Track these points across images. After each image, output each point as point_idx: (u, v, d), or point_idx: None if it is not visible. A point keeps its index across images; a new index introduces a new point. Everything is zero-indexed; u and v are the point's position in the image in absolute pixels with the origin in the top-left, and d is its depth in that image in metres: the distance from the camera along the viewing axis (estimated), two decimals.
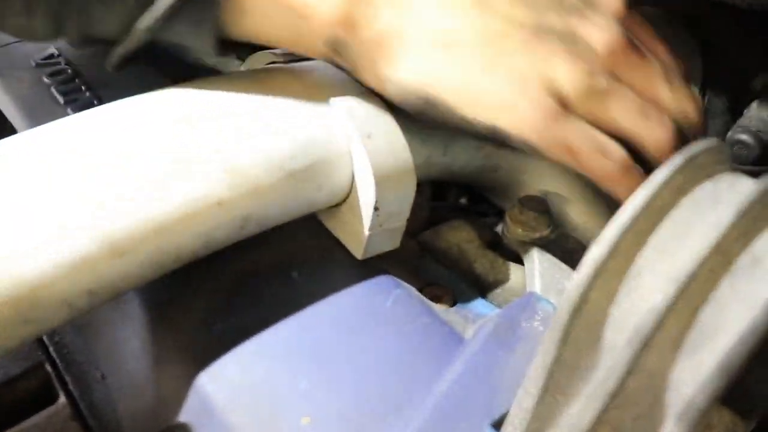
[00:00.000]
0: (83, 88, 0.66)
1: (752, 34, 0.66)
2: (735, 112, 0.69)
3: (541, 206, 0.56)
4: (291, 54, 0.54)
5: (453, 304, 0.51)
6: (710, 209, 0.32)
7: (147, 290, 0.49)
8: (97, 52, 0.71)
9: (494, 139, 0.45)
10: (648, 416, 0.32)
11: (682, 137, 0.47)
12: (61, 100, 0.65)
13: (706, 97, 0.72)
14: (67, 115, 0.63)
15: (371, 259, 0.51)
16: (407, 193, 0.49)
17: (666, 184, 0.33)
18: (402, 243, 0.53)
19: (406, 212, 0.50)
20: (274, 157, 0.45)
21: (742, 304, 0.30)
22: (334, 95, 0.49)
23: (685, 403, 0.30)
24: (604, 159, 0.44)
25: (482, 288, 0.54)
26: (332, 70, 0.51)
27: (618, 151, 0.45)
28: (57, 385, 0.47)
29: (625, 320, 0.32)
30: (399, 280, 0.50)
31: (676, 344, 0.31)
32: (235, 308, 0.48)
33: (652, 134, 0.45)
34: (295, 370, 0.43)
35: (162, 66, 0.76)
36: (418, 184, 0.58)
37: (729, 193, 0.33)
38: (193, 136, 0.44)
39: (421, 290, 0.51)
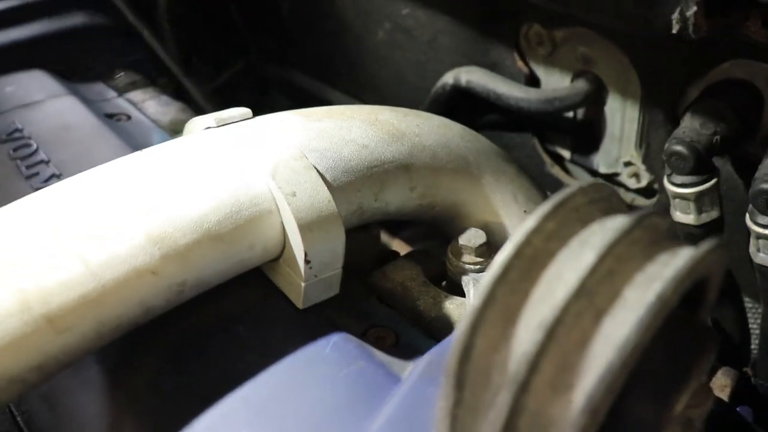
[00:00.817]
0: (46, 162, 0.70)
1: (682, 54, 0.68)
2: (674, 123, 0.70)
3: (479, 238, 0.58)
4: (225, 119, 0.56)
5: (395, 344, 0.53)
6: (578, 253, 0.34)
7: (102, 355, 0.52)
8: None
9: None
10: None
11: None
12: (24, 174, 0.68)
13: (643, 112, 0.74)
14: (30, 189, 0.66)
15: (316, 305, 0.53)
16: (337, 244, 0.51)
17: (536, 231, 0.35)
18: (348, 286, 0.55)
19: (339, 261, 0.52)
20: (201, 223, 0.47)
21: (606, 344, 0.32)
22: (262, 157, 0.51)
23: None
24: None
25: (426, 325, 0.56)
26: (260, 132, 0.54)
27: None
28: None
29: (505, 365, 0.34)
30: (339, 326, 0.52)
31: (553, 386, 0.33)
32: (183, 367, 0.50)
33: None
34: (237, 423, 0.46)
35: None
36: (366, 226, 0.61)
37: (596, 235, 0.35)
38: (122, 209, 0.47)
39: (365, 332, 0.54)
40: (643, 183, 0.79)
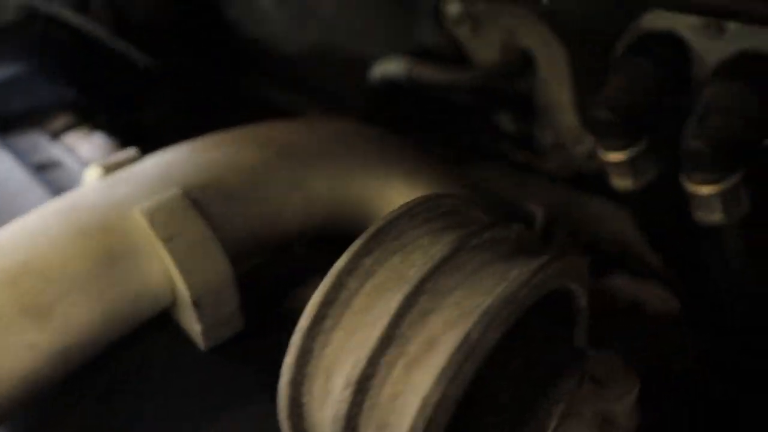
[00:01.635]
0: None
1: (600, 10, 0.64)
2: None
3: None
4: (111, 165, 0.55)
5: None
6: (393, 292, 0.31)
7: (25, 420, 0.51)
8: None
9: None
10: None
11: None
12: None
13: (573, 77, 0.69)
14: None
15: (225, 343, 0.52)
16: (225, 283, 0.49)
17: (348, 272, 0.32)
18: (260, 315, 0.53)
19: (233, 298, 0.50)
20: (74, 283, 0.46)
21: (415, 395, 0.29)
22: (139, 203, 0.49)
23: None
24: None
25: None
26: (140, 176, 0.52)
27: None
28: None
29: (326, 425, 0.32)
30: (247, 361, 0.50)
31: None
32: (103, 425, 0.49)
33: None
34: None
35: None
36: (282, 248, 0.59)
37: (414, 268, 0.32)
38: None
39: (276, 365, 0.52)
40: (589, 149, 0.74)
